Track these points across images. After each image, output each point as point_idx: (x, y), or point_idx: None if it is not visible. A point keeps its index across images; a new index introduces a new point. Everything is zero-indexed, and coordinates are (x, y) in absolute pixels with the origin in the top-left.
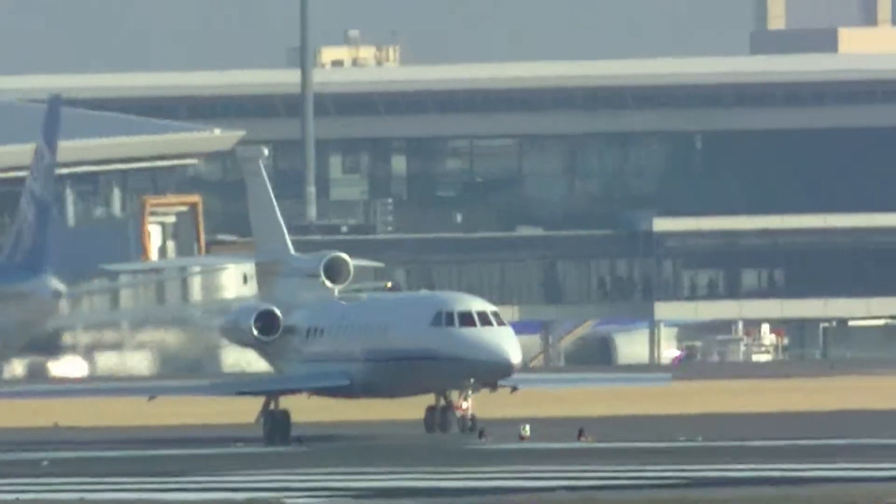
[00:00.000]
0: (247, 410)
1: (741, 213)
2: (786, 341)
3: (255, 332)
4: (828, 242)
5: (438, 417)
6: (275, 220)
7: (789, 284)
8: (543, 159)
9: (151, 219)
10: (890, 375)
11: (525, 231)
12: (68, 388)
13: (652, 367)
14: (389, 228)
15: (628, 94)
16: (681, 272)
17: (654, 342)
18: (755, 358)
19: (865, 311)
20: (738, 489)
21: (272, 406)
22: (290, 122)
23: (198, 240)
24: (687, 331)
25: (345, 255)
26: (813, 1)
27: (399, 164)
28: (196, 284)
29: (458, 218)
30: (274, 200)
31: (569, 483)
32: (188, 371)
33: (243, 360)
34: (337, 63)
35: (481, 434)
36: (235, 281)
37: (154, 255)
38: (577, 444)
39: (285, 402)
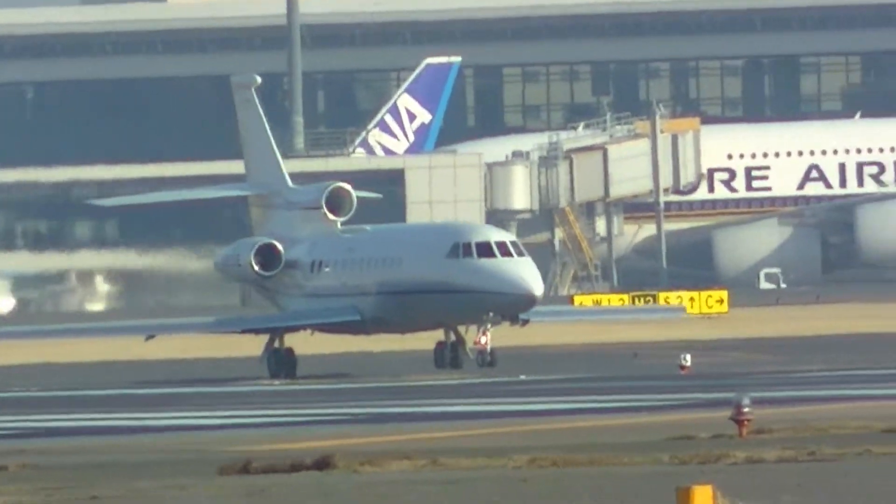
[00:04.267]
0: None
1: (72, 163)
2: (120, 289)
3: (256, 268)
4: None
5: (449, 353)
6: (269, 151)
7: (122, 234)
8: None
9: None
10: None
11: None
12: (62, 328)
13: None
14: None
15: None
16: (13, 223)
17: None
18: (90, 307)
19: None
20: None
21: (277, 344)
22: None
23: None
24: (22, 282)
25: (347, 186)
26: None
27: None
28: None
29: None
30: (268, 129)
31: None
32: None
33: None
34: None
35: None
36: None
37: None
38: None
39: (289, 339)
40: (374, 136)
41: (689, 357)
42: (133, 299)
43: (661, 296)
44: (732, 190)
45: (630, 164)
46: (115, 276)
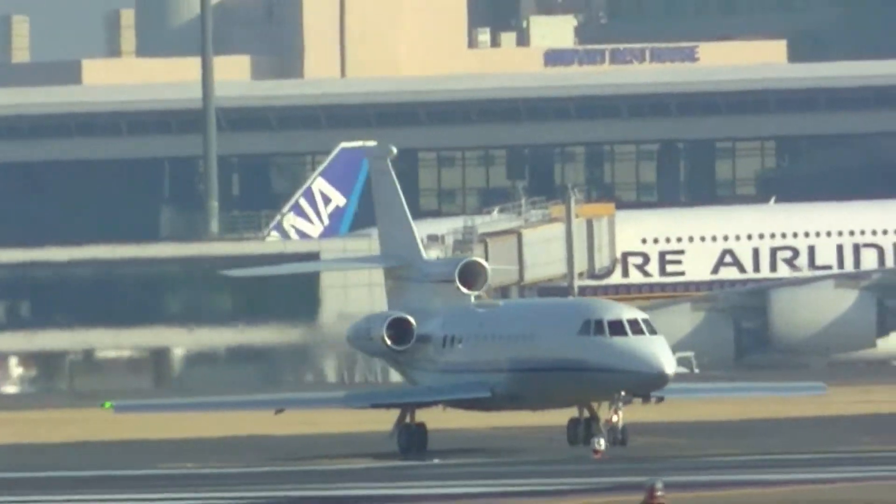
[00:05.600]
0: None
1: None
2: (34, 373)
3: (388, 341)
4: (74, 274)
5: (583, 430)
6: (405, 222)
7: (36, 316)
8: None
9: None
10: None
11: None
12: (192, 402)
13: None
14: None
15: None
16: None
17: None
18: (3, 390)
19: (112, 343)
20: None
21: (408, 419)
22: None
23: None
24: None
25: (481, 260)
26: (56, 34)
27: None
28: None
29: None
30: (403, 201)
31: None
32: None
33: None
34: None
35: None
36: None
37: None
38: None
39: (421, 414)
40: (289, 219)
41: (602, 441)
42: (47, 383)
43: None
44: (646, 274)
45: (544, 248)
46: (28, 360)
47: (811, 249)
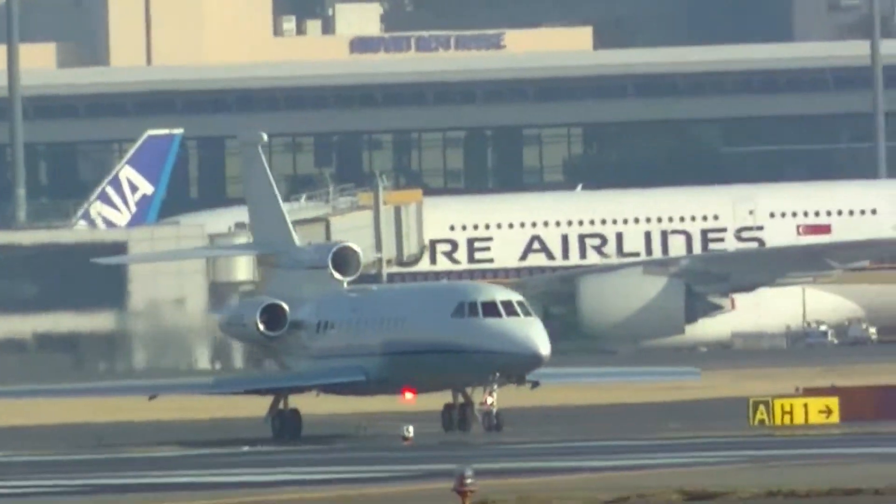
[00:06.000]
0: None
1: None
2: None
3: (261, 328)
4: None
5: (457, 415)
6: (276, 209)
7: None
8: None
9: None
10: None
11: None
12: (67, 387)
13: None
14: None
15: None
16: None
17: None
18: None
19: None
20: None
21: (281, 404)
22: None
23: None
24: None
25: (354, 246)
26: None
27: None
28: None
29: None
30: (275, 188)
31: None
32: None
33: None
34: None
35: None
36: None
37: None
38: None
39: (294, 399)
40: (96, 208)
41: (411, 428)
42: None
43: None
44: (455, 261)
45: (353, 235)
46: None
47: (619, 236)
